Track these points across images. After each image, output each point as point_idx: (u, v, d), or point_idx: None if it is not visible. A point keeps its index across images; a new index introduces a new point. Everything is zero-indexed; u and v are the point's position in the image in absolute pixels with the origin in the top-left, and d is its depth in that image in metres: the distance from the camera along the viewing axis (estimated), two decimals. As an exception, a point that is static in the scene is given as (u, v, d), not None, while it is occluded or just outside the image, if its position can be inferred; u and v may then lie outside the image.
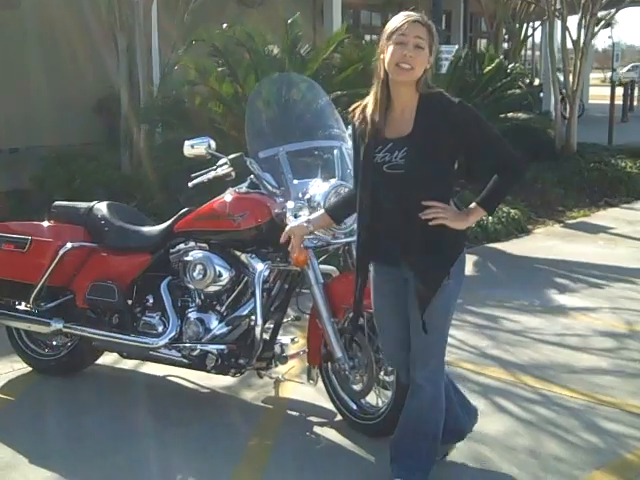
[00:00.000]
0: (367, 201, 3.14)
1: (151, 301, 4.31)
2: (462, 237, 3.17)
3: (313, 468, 3.62)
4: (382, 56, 3.06)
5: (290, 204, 3.79)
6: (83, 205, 4.56)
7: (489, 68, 9.53)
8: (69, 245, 4.31)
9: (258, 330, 3.82)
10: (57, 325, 4.41)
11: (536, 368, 4.72)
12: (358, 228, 3.28)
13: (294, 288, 4.12)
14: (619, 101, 17.00)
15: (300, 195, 3.84)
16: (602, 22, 12.63)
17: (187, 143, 3.99)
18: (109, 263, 4.36)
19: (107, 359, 4.80)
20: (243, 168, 4.03)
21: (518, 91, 10.69)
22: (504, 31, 18.89)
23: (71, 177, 8.51)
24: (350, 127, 3.31)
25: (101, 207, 4.49)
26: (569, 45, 12.12)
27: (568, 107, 11.93)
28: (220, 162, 4.05)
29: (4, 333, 4.82)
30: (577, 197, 10.24)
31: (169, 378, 4.63)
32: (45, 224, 4.53)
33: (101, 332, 4.31)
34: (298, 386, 4.48)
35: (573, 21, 12.69)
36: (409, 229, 3.05)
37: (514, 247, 8.02)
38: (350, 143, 4.02)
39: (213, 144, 3.99)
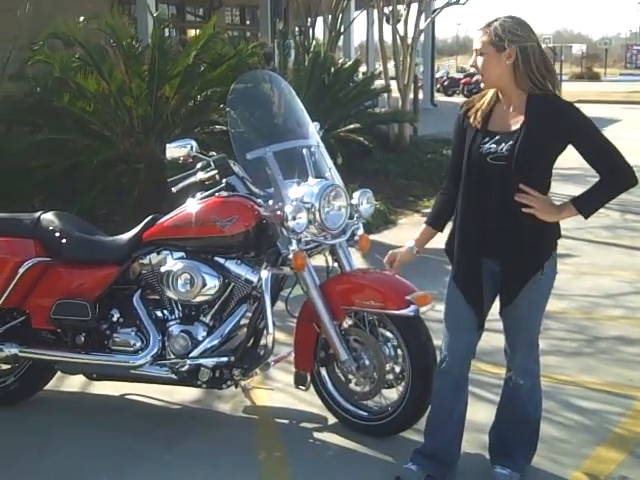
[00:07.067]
0: (469, 187, 3.19)
1: (119, 316, 4.02)
2: (557, 233, 3.23)
3: (340, 475, 3.55)
4: None
5: (288, 208, 3.66)
6: (26, 216, 4.15)
7: (349, 64, 9.70)
8: (30, 262, 3.91)
9: (270, 339, 3.68)
10: (12, 350, 3.98)
11: (484, 354, 4.86)
12: (458, 217, 3.28)
13: (278, 293, 4.02)
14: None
15: (291, 196, 3.74)
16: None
17: (169, 146, 3.78)
18: (72, 278, 3.99)
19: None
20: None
21: (378, 87, 10.96)
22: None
23: None
24: (457, 120, 3.30)
25: (50, 217, 4.10)
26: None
27: (400, 101, 12.39)
28: (199, 165, 3.87)
29: None
30: (422, 187, 10.70)
31: (129, 397, 4.34)
32: (-12, 239, 4.06)
33: (70, 354, 3.95)
34: (269, 393, 4.37)
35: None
36: (505, 217, 3.11)
37: (389, 238, 8.20)
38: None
39: (195, 145, 3.79)
